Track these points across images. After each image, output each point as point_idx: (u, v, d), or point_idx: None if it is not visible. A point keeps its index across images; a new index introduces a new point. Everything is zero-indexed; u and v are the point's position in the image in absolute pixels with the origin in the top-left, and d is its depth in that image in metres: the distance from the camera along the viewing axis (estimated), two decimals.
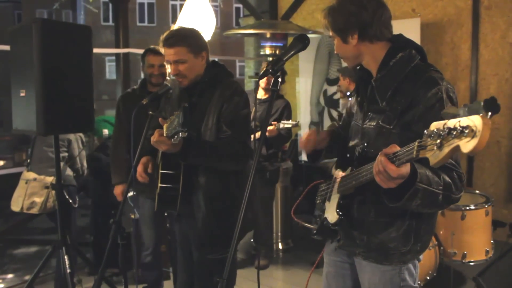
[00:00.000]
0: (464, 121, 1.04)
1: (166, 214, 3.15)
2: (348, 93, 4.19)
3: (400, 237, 1.58)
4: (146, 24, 21.89)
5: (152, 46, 3.17)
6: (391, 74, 1.55)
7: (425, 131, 1.14)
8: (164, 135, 2.01)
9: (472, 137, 1.01)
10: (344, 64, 5.08)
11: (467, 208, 3.09)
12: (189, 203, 2.24)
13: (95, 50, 2.89)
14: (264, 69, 1.52)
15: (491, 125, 1.02)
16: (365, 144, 1.60)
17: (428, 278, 3.10)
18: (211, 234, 2.23)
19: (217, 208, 2.20)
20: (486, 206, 3.16)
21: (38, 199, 3.26)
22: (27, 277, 2.91)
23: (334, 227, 1.65)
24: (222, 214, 2.19)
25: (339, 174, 1.71)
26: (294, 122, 3.75)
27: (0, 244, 4.57)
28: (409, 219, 1.57)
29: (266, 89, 4.00)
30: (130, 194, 3.20)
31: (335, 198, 1.67)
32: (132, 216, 3.45)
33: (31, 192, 3.28)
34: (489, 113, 1.02)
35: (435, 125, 1.12)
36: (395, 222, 1.58)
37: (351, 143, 1.74)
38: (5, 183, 3.70)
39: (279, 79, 1.50)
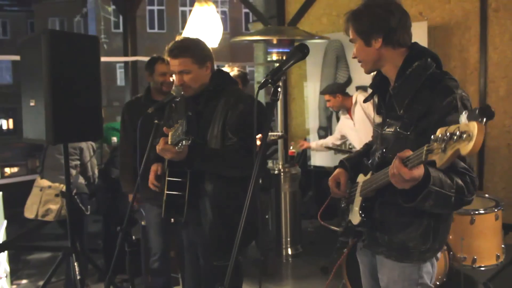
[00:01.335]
0: (462, 127, 1.17)
1: (172, 220, 3.17)
2: (343, 111, 4.18)
3: (419, 236, 1.67)
4: (156, 30, 22.04)
5: (155, 55, 3.16)
6: (408, 83, 1.63)
7: (432, 136, 1.25)
8: (169, 143, 2.03)
9: (469, 141, 1.14)
10: (354, 67, 5.11)
11: (476, 212, 3.06)
12: (196, 210, 2.26)
13: (104, 59, 2.93)
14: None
15: (484, 129, 1.16)
16: (383, 150, 1.68)
17: (438, 283, 3.07)
18: (218, 241, 2.24)
19: (224, 215, 2.21)
20: (496, 210, 3.12)
21: (54, 206, 3.30)
22: (41, 283, 2.94)
23: (357, 228, 1.77)
24: (229, 221, 2.19)
25: (361, 178, 1.80)
26: (279, 134, 3.86)
27: (14, 251, 4.63)
28: (428, 219, 1.66)
29: None
30: None
31: (358, 201, 1.78)
32: (143, 223, 3.47)
33: (46, 200, 3.32)
34: (484, 119, 1.16)
35: (440, 131, 1.23)
36: (414, 222, 1.67)
37: (373, 149, 1.86)
38: (18, 190, 3.76)
39: (279, 89, 1.52)
